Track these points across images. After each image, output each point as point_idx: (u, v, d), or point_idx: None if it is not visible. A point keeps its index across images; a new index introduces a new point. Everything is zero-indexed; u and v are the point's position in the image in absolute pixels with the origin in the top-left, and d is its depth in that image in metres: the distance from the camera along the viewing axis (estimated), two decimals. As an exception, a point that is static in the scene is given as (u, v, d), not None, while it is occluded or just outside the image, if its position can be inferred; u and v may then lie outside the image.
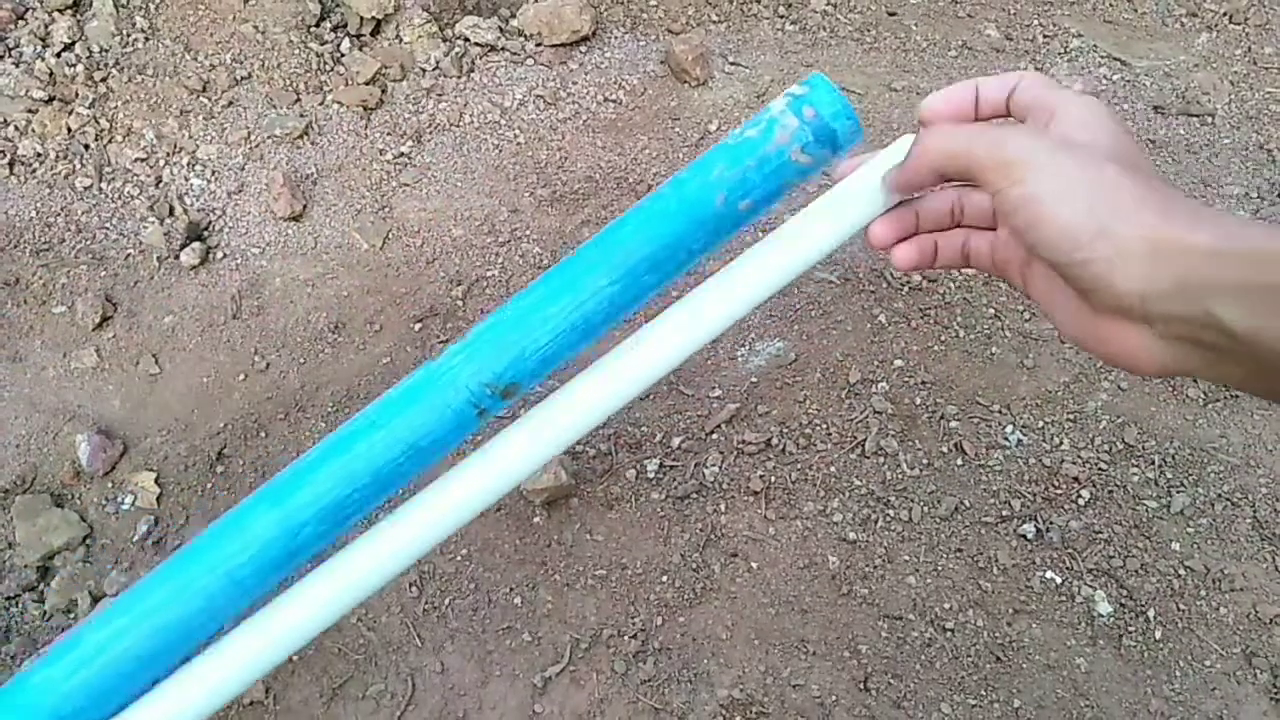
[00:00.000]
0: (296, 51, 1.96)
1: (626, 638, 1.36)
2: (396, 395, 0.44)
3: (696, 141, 1.91)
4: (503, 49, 2.04)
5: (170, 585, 0.43)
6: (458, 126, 1.94)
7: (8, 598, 1.41)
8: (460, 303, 1.70)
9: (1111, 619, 1.37)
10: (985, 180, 0.40)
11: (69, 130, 1.82)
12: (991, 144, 0.39)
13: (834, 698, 1.32)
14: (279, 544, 0.43)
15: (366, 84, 1.96)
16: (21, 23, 1.87)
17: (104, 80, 1.87)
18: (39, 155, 1.79)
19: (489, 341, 0.43)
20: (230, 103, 1.91)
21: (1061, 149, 0.38)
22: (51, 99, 1.82)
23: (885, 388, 1.58)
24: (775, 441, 1.52)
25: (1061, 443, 1.52)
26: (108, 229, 1.76)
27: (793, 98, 0.42)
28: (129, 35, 1.91)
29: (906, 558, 1.42)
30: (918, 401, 1.57)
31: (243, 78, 1.93)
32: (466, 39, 2.04)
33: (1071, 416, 1.55)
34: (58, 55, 1.85)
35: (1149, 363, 0.38)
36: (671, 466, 1.50)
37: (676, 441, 1.53)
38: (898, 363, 1.61)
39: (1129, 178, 0.37)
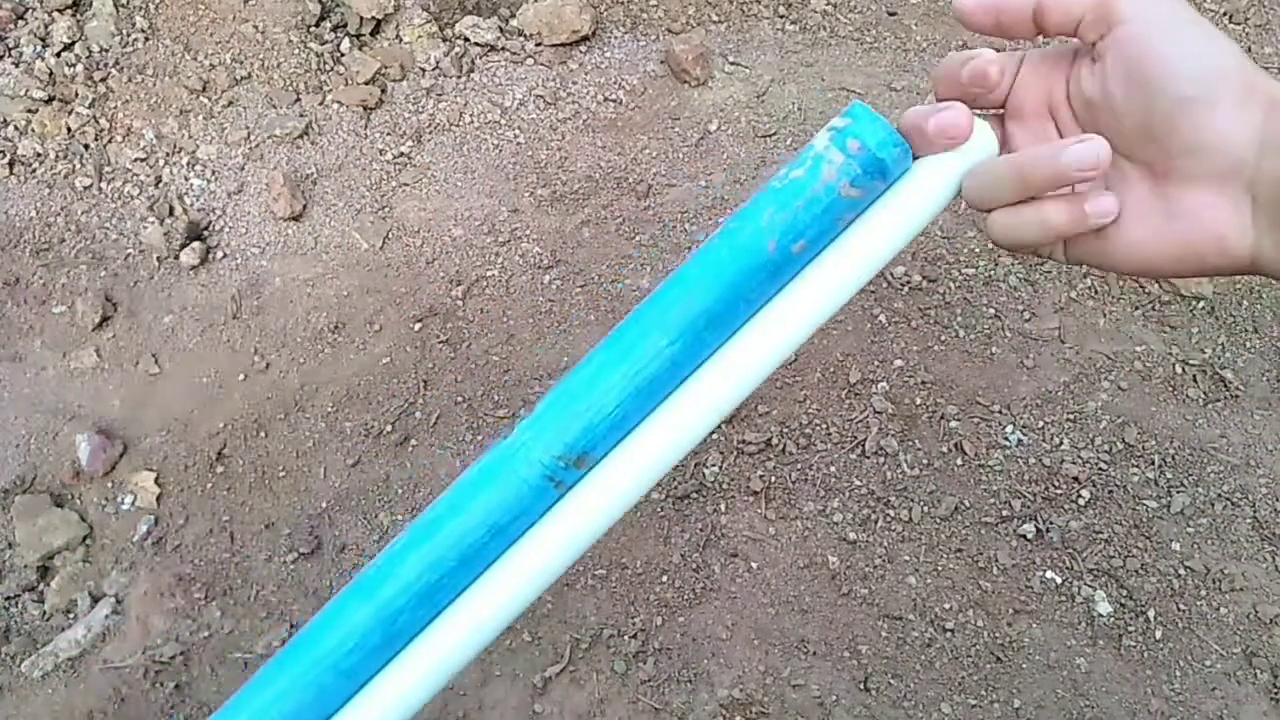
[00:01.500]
0: (296, 51, 1.96)
1: (626, 638, 1.36)
2: (473, 477, 0.45)
3: (696, 141, 1.91)
4: (503, 49, 2.04)
5: (280, 683, 0.44)
6: (458, 126, 1.94)
7: (8, 598, 1.41)
8: (460, 303, 1.70)
9: (1111, 619, 1.37)
10: (1086, 21, 0.37)
11: (69, 130, 1.82)
12: None
13: (834, 698, 1.32)
14: (377, 633, 0.44)
15: (366, 84, 1.96)
16: (21, 22, 1.87)
17: (104, 80, 1.87)
18: (39, 155, 1.79)
19: (556, 415, 0.44)
20: (230, 103, 1.91)
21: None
22: (51, 99, 1.82)
23: (885, 388, 1.58)
24: (775, 441, 1.52)
25: (1061, 443, 1.52)
26: (108, 229, 1.76)
27: (835, 132, 0.42)
28: (129, 35, 1.91)
29: (906, 558, 1.42)
30: (918, 401, 1.57)
31: (243, 78, 1.93)
32: (466, 39, 2.04)
33: (1071, 416, 1.55)
34: (57, 55, 1.85)
35: (1238, 245, 0.35)
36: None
37: (676, 441, 1.53)
38: (898, 363, 1.61)
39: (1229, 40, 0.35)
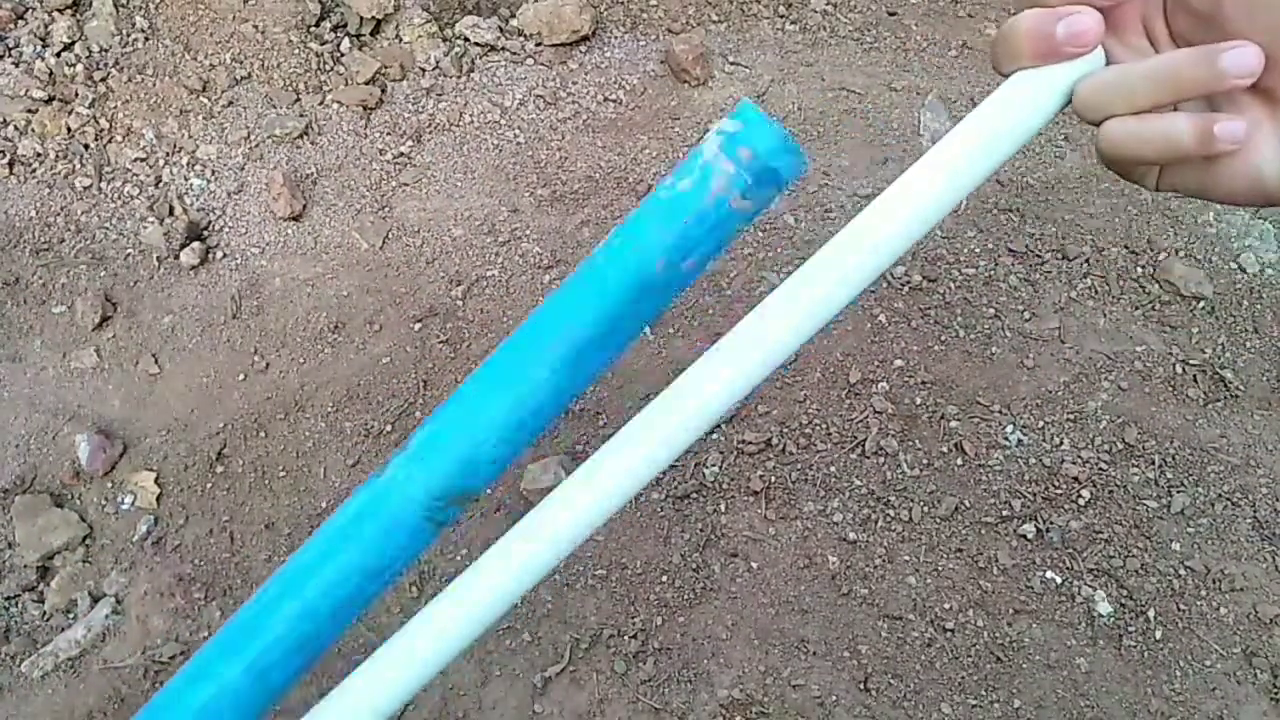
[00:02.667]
0: (296, 51, 1.96)
1: (626, 638, 1.36)
2: (346, 520, 0.43)
3: (696, 141, 1.91)
4: (503, 49, 2.04)
5: None
6: (458, 126, 1.94)
7: (8, 598, 1.41)
8: (460, 303, 1.70)
9: (1111, 619, 1.37)
10: None
11: (69, 130, 1.82)
12: None
13: (834, 698, 1.32)
14: (251, 692, 0.43)
15: (366, 84, 1.96)
16: (21, 22, 1.87)
17: (104, 80, 1.87)
18: (39, 155, 1.79)
19: (434, 451, 0.42)
20: (230, 103, 1.91)
21: None
22: (51, 99, 1.82)
23: (885, 388, 1.58)
24: (775, 441, 1.52)
25: (1061, 443, 1.52)
26: (107, 229, 1.76)
27: (725, 137, 0.39)
28: (129, 35, 1.91)
29: (906, 558, 1.42)
30: (918, 401, 1.57)
31: (242, 78, 1.93)
32: (466, 39, 2.04)
33: (1071, 416, 1.55)
34: (57, 55, 1.85)
35: None
36: (671, 466, 1.50)
37: (676, 441, 1.53)
38: (898, 363, 1.61)
39: None
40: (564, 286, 0.41)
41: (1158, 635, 1.35)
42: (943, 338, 1.64)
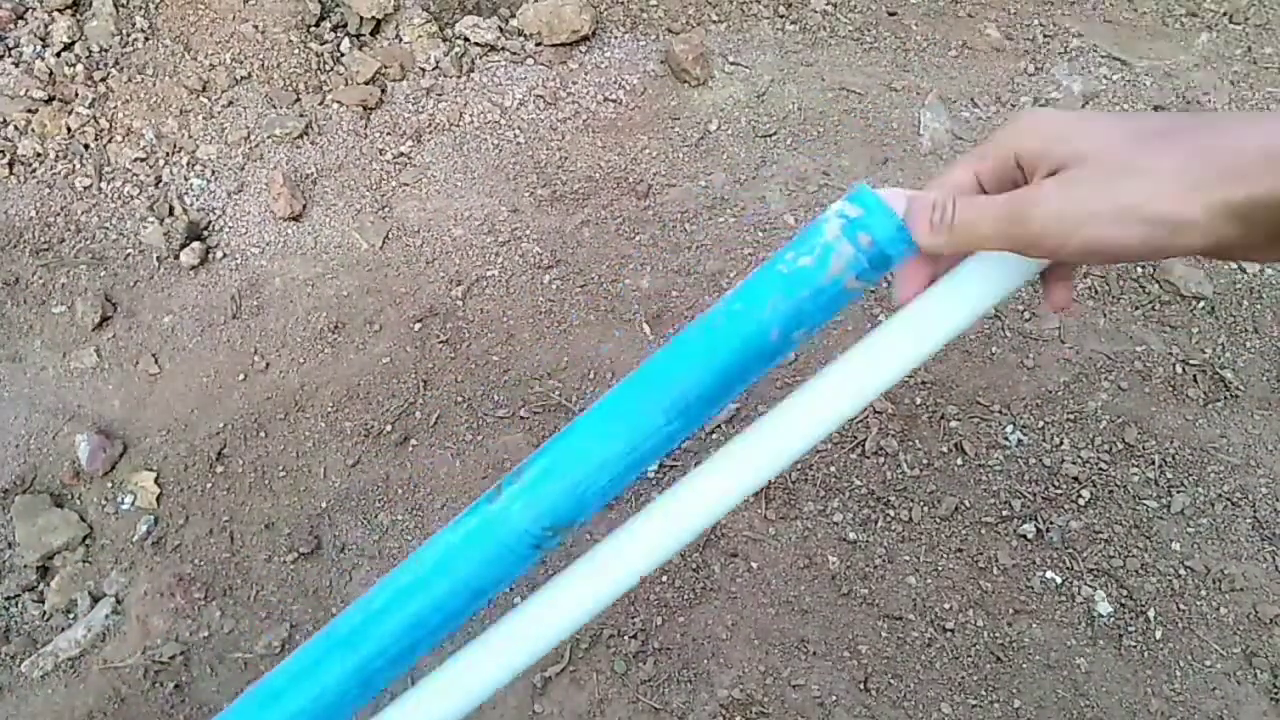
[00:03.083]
0: (296, 51, 1.96)
1: (626, 638, 1.36)
2: (458, 540, 0.45)
3: (696, 141, 1.91)
4: (503, 49, 2.04)
5: None
6: (458, 126, 1.94)
7: (8, 598, 1.41)
8: (460, 303, 1.70)
9: (1111, 619, 1.37)
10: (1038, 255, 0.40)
11: (69, 130, 1.82)
12: (1011, 224, 0.39)
13: (834, 698, 1.32)
14: (354, 690, 0.46)
15: (366, 84, 1.96)
16: (21, 22, 1.87)
17: (104, 80, 1.87)
18: (39, 155, 1.79)
19: (549, 487, 0.44)
20: (230, 103, 1.91)
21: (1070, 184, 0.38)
22: (51, 99, 1.82)
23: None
24: (775, 441, 1.52)
25: (1061, 443, 1.52)
26: (107, 229, 1.76)
27: (846, 220, 0.42)
28: (129, 35, 1.91)
29: (906, 558, 1.42)
30: (918, 401, 1.57)
31: (242, 77, 1.93)
32: (466, 39, 2.04)
33: (1071, 416, 1.55)
34: (57, 55, 1.85)
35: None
36: (671, 466, 1.50)
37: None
38: (898, 363, 1.61)
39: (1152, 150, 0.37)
40: (682, 339, 0.44)
41: (1158, 635, 1.35)
42: (943, 338, 1.64)
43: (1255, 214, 0.34)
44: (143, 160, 1.83)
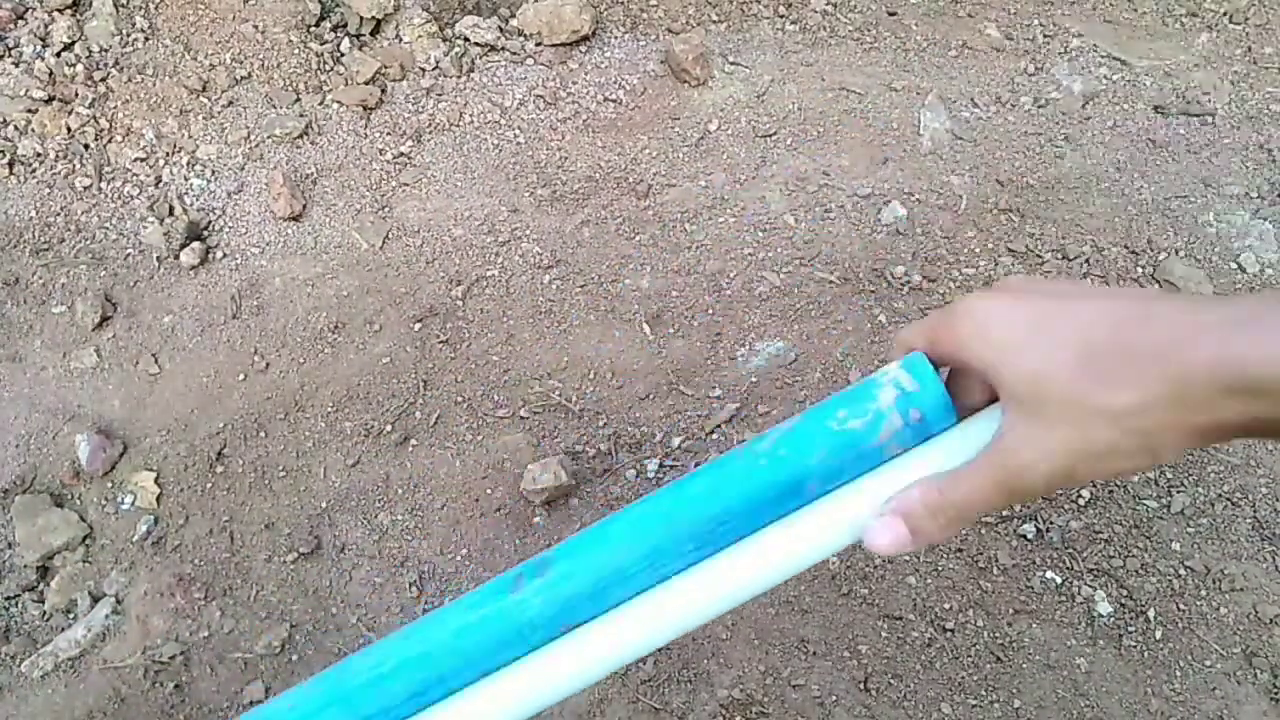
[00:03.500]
0: (296, 51, 1.96)
1: (626, 638, 1.36)
2: (475, 623, 0.46)
3: (696, 141, 1.91)
4: (503, 49, 2.04)
5: None
6: (458, 126, 1.94)
7: (8, 598, 1.41)
8: (460, 303, 1.70)
9: (1111, 619, 1.37)
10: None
11: (69, 130, 1.82)
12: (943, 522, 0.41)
13: (834, 698, 1.32)
14: None
15: (366, 84, 1.96)
16: (21, 22, 1.87)
17: (104, 80, 1.87)
18: (39, 155, 1.79)
19: (570, 588, 0.45)
20: (230, 102, 1.91)
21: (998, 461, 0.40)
22: (51, 99, 1.82)
23: (885, 388, 1.58)
24: (775, 441, 1.52)
25: (1061, 443, 1.52)
26: (107, 229, 1.76)
27: (901, 393, 0.42)
28: (129, 35, 1.91)
29: (906, 558, 1.42)
30: (918, 401, 1.56)
31: (242, 77, 1.93)
32: (466, 39, 2.04)
33: (1071, 416, 1.55)
34: (57, 55, 1.85)
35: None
36: (672, 466, 1.50)
37: (676, 441, 1.53)
38: (898, 363, 1.61)
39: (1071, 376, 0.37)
40: (723, 472, 0.45)
41: (1158, 635, 1.35)
42: (943, 338, 1.64)
43: (1222, 434, 0.36)
44: (143, 160, 1.83)
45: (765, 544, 0.45)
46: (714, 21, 2.13)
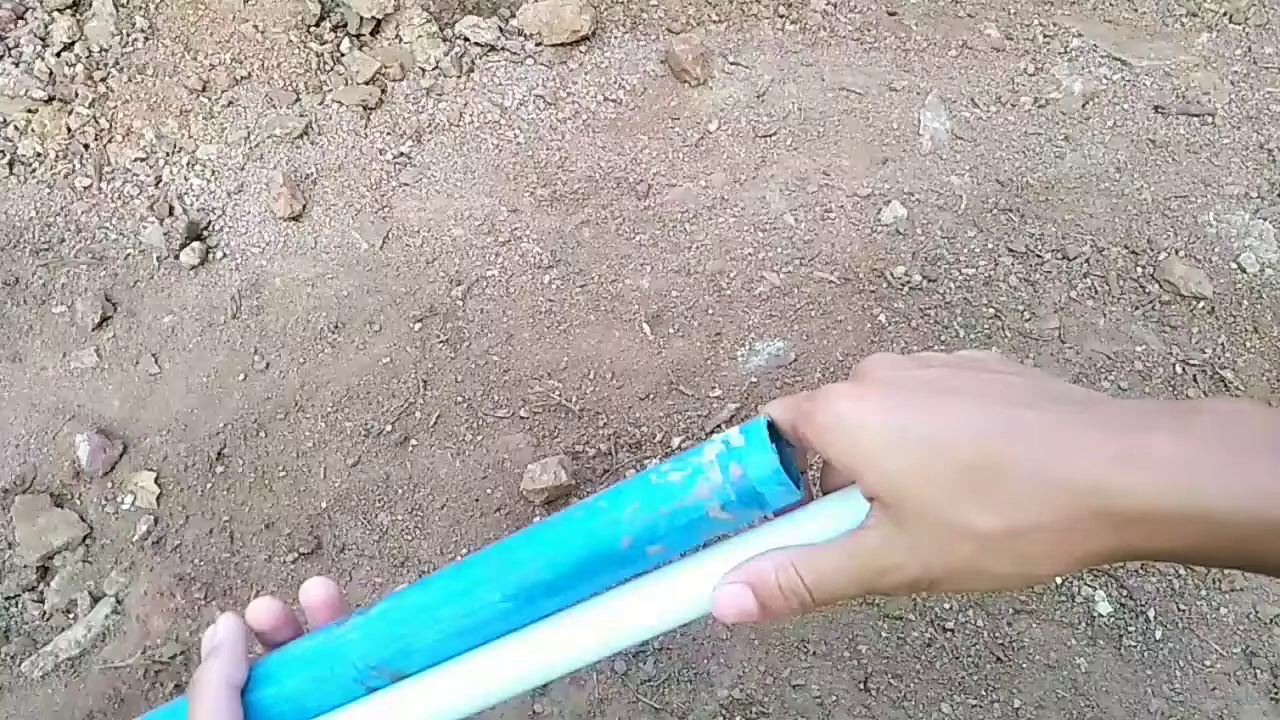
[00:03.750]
0: (296, 51, 1.96)
1: (626, 638, 1.36)
2: (296, 656, 0.46)
3: (696, 141, 1.91)
4: (503, 49, 2.04)
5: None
6: (458, 126, 1.94)
7: (8, 598, 1.41)
8: (460, 303, 1.70)
9: (1111, 619, 1.37)
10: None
11: (69, 130, 1.82)
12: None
13: (834, 698, 1.32)
14: None
15: (366, 84, 1.96)
16: (21, 22, 1.87)
17: (104, 80, 1.87)
18: (39, 155, 1.79)
19: (383, 626, 0.45)
20: (230, 103, 1.91)
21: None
22: (51, 99, 1.82)
23: (885, 388, 1.58)
24: (775, 441, 1.52)
25: (1061, 443, 1.52)
26: (107, 229, 1.76)
27: (726, 448, 0.40)
28: (129, 35, 1.91)
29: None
30: (918, 401, 1.56)
31: (243, 77, 1.93)
32: (466, 39, 2.04)
33: (1071, 416, 1.55)
34: (57, 55, 1.85)
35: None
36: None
37: (676, 441, 1.53)
38: (898, 363, 1.61)
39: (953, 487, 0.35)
40: (545, 524, 0.44)
41: (1158, 635, 1.35)
42: (943, 338, 1.64)
43: (1100, 559, 0.34)
44: (143, 160, 1.83)
45: (602, 607, 0.43)
46: (714, 21, 2.13)
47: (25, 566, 1.43)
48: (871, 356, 0.41)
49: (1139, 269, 1.72)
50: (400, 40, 2.02)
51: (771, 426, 0.41)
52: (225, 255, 1.76)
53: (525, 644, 0.44)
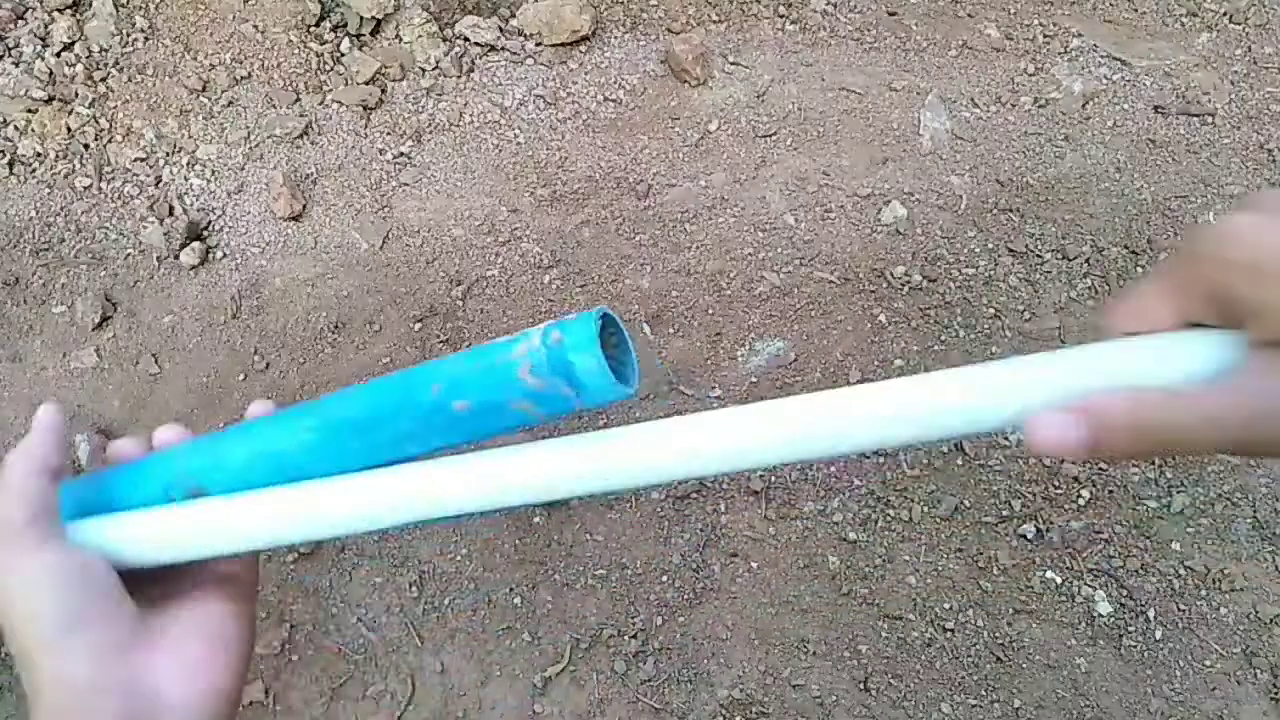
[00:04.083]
0: (296, 51, 1.96)
1: (626, 638, 1.36)
2: (121, 465, 0.49)
3: (696, 141, 1.91)
4: (503, 49, 2.03)
5: None
6: (458, 126, 1.94)
7: (8, 598, 1.41)
8: (460, 303, 1.70)
9: (1111, 619, 1.37)
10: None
11: (69, 130, 1.82)
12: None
13: (834, 698, 1.32)
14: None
15: (366, 84, 1.96)
16: (21, 22, 1.87)
17: (104, 80, 1.87)
18: (39, 155, 1.79)
19: (203, 444, 0.48)
20: (230, 102, 1.91)
21: None
22: (51, 99, 1.82)
23: (885, 388, 1.58)
24: (775, 441, 1.52)
25: (1061, 443, 1.52)
26: (107, 229, 1.76)
27: (558, 321, 0.40)
28: (129, 35, 1.91)
29: (906, 558, 1.42)
30: (918, 401, 1.57)
31: (243, 77, 1.93)
32: (466, 39, 2.04)
33: (1071, 416, 1.55)
34: (57, 55, 1.85)
35: None
36: (671, 466, 1.50)
37: (676, 441, 1.53)
38: (898, 363, 1.61)
39: None
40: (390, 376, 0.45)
41: (1158, 635, 1.35)
42: (943, 338, 1.64)
43: None
44: (143, 160, 1.83)
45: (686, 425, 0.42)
46: (714, 21, 2.13)
47: (25, 566, 1.43)
48: (1268, 190, 0.35)
49: (1139, 269, 1.72)
50: (400, 40, 2.02)
51: (614, 321, 0.41)
52: (225, 255, 1.76)
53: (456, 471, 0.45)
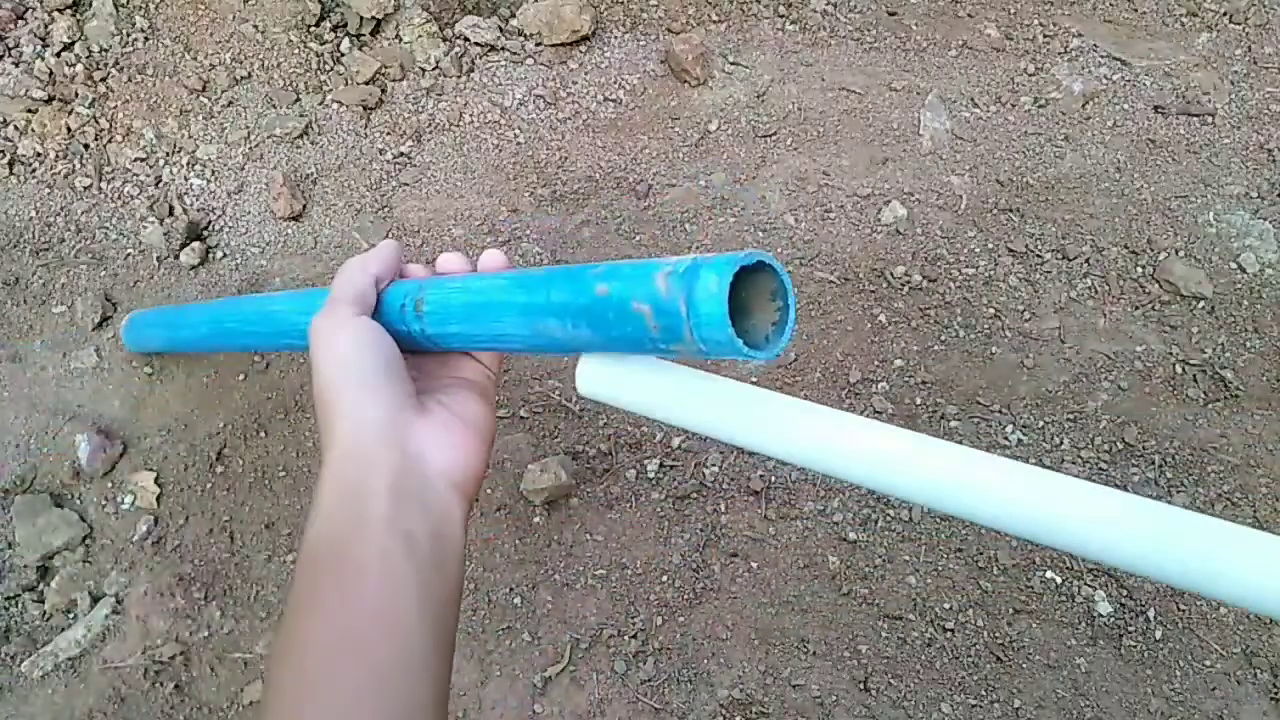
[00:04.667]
0: (296, 51, 1.96)
1: (626, 638, 1.36)
2: (390, 287, 0.69)
3: (696, 141, 1.91)
4: (502, 49, 2.03)
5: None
6: (458, 126, 1.94)
7: (8, 598, 1.41)
8: (460, 303, 1.70)
9: (1111, 619, 1.37)
10: None
11: (69, 130, 1.82)
12: None
13: (834, 698, 1.32)
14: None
15: (366, 84, 1.96)
16: (21, 22, 1.87)
17: (104, 80, 1.87)
18: (38, 155, 1.79)
19: (433, 280, 0.64)
20: (230, 102, 1.91)
21: None
22: (51, 99, 1.82)
23: (885, 388, 1.58)
24: (775, 441, 1.52)
25: (1061, 443, 1.52)
26: (107, 229, 1.76)
27: (723, 255, 0.41)
28: (129, 35, 1.91)
29: (906, 558, 1.42)
30: (918, 401, 1.57)
31: (243, 77, 1.93)
32: (466, 39, 2.03)
33: (1071, 416, 1.55)
34: (57, 55, 1.85)
35: None
36: (671, 466, 1.50)
37: (676, 441, 1.53)
38: (898, 363, 1.61)
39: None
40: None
41: (1158, 635, 1.35)
42: (943, 338, 1.64)
43: None
44: (143, 160, 1.83)
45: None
46: (714, 21, 2.13)
47: (25, 566, 1.43)
48: None
49: (1139, 269, 1.72)
50: (400, 40, 2.02)
51: (785, 288, 0.43)
52: (225, 255, 1.76)
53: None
